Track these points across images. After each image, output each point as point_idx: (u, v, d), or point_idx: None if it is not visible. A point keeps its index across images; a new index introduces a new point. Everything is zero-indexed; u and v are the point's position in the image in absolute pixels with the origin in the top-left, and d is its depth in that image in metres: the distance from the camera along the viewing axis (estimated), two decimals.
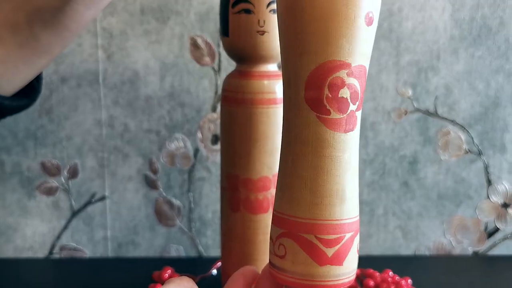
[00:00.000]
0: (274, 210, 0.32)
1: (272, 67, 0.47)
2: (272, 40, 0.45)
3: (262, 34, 0.45)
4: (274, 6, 0.44)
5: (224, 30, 0.46)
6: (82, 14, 0.35)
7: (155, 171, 0.64)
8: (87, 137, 0.62)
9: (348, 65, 0.29)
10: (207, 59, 0.61)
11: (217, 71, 0.62)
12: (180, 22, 0.60)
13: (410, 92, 0.63)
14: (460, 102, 0.63)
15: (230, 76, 0.48)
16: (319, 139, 0.30)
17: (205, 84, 0.62)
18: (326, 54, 0.29)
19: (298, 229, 0.30)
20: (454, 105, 0.63)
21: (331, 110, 0.29)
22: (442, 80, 0.63)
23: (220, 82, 0.62)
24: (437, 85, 0.63)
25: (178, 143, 0.63)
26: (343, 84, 0.29)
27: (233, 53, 0.47)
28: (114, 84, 0.61)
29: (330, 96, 0.29)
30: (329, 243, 0.30)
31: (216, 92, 0.62)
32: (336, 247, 0.30)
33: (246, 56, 0.46)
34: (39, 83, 0.39)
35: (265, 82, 0.46)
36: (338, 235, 0.30)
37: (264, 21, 0.44)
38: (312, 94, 0.29)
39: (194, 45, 0.61)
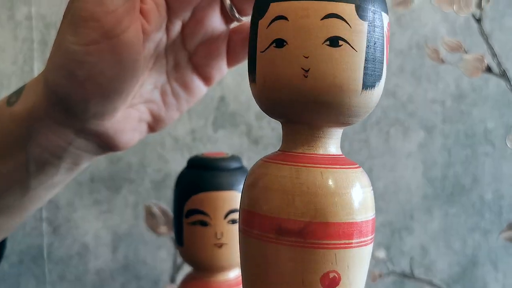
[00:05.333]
0: None
1: (233, 273, 0.42)
2: (232, 251, 0.40)
3: (220, 247, 0.40)
4: (233, 216, 0.40)
5: (178, 239, 0.41)
6: (42, 196, 0.32)
7: None
8: None
9: None
10: (164, 228, 0.56)
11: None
12: (134, 190, 0.55)
13: (384, 254, 0.59)
14: (437, 262, 0.60)
15: (186, 281, 0.43)
16: None
17: (163, 254, 0.57)
18: None
19: None
20: (431, 265, 0.60)
21: None
22: (417, 240, 0.59)
23: None
24: (412, 245, 0.59)
25: None
26: None
27: (189, 262, 0.42)
28: (61, 258, 0.55)
29: None
30: None
31: (174, 262, 0.57)
32: None
33: (203, 266, 0.41)
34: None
35: None
36: None
37: (222, 233, 0.40)
38: None
39: (150, 213, 0.56)
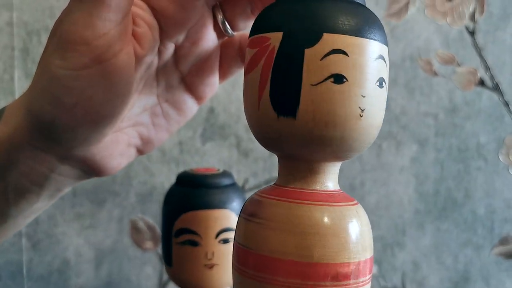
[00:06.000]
0: None
1: None
2: (224, 272, 0.39)
3: (211, 268, 0.38)
4: (224, 235, 0.38)
5: (167, 259, 0.39)
6: (21, 223, 0.31)
7: None
8: None
9: None
10: (149, 243, 0.54)
11: (162, 256, 0.55)
12: (119, 204, 0.53)
13: (375, 270, 0.58)
14: (429, 278, 0.58)
15: None
16: None
17: (148, 271, 0.54)
18: None
19: None
20: (423, 281, 0.58)
21: None
22: (409, 256, 0.58)
23: None
24: (404, 260, 0.58)
25: None
26: None
27: (178, 283, 0.40)
28: (41, 275, 0.53)
29: None
30: None
31: (160, 279, 0.55)
32: None
33: None
34: None
35: None
36: None
37: (213, 253, 0.38)
38: None
39: (135, 228, 0.54)
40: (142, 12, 0.25)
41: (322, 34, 0.19)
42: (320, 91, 0.19)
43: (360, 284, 0.21)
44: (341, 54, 0.19)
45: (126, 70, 0.24)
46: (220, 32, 0.29)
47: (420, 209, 0.57)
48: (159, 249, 0.54)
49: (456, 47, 0.56)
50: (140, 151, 0.31)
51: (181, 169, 0.52)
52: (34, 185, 0.27)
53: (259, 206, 0.22)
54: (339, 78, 0.19)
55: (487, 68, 0.56)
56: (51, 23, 0.50)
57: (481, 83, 0.56)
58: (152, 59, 0.27)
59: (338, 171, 0.23)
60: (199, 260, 0.38)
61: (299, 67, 0.19)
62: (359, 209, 0.22)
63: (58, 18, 0.23)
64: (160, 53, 0.28)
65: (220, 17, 0.28)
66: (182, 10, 0.26)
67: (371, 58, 0.20)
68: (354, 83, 0.19)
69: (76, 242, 0.53)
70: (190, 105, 0.32)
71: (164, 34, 0.26)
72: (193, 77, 0.31)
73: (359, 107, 0.20)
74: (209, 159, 0.54)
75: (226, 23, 0.29)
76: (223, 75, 0.32)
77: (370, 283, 0.22)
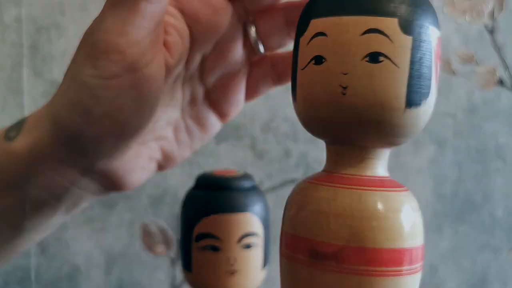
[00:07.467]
0: None
1: None
2: (246, 278, 0.37)
3: (233, 274, 0.37)
4: (247, 240, 0.37)
5: (186, 265, 0.38)
6: (34, 238, 0.29)
7: None
8: None
9: None
10: (161, 247, 0.53)
11: (174, 260, 0.53)
12: (130, 207, 0.52)
13: None
14: (446, 282, 0.57)
15: None
16: None
17: (160, 275, 0.53)
18: None
19: None
20: (440, 284, 0.57)
21: None
22: (426, 259, 0.56)
23: (178, 273, 0.53)
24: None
25: None
26: None
27: None
28: (49, 281, 0.51)
29: None
30: None
31: (172, 284, 0.53)
32: None
33: None
34: None
35: None
36: None
37: (235, 259, 0.37)
38: None
39: (147, 232, 0.52)
40: (173, 20, 0.24)
41: (310, 21, 0.21)
42: (306, 74, 0.21)
43: (413, 270, 0.21)
44: (321, 36, 0.20)
45: (156, 80, 0.23)
46: (251, 51, 0.29)
47: (437, 211, 0.56)
48: (172, 253, 0.53)
49: (475, 46, 0.54)
50: (161, 166, 0.31)
51: (194, 171, 0.51)
52: (52, 198, 0.26)
53: (308, 192, 0.22)
54: (318, 59, 0.20)
55: (506, 67, 0.55)
56: (61, 19, 0.49)
57: (500, 82, 0.55)
58: (179, 70, 0.27)
59: (386, 157, 0.23)
60: (220, 266, 0.36)
61: (296, 55, 0.22)
62: (410, 195, 0.22)
63: (89, 27, 0.22)
64: (187, 63, 0.27)
65: (252, 33, 0.28)
66: (215, 14, 0.25)
67: (355, 33, 0.19)
68: (332, 61, 0.20)
69: (86, 247, 0.52)
70: (213, 122, 0.32)
71: (194, 42, 0.26)
72: (218, 93, 0.30)
73: (340, 85, 0.20)
74: (223, 160, 0.52)
75: (259, 42, 0.28)
76: (249, 94, 0.32)
77: (421, 270, 0.22)
